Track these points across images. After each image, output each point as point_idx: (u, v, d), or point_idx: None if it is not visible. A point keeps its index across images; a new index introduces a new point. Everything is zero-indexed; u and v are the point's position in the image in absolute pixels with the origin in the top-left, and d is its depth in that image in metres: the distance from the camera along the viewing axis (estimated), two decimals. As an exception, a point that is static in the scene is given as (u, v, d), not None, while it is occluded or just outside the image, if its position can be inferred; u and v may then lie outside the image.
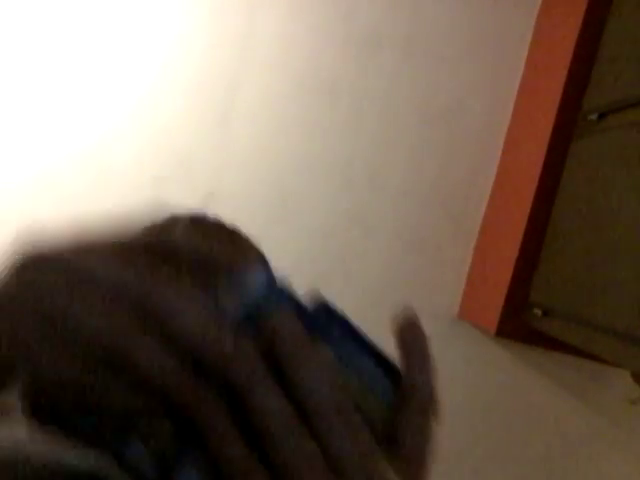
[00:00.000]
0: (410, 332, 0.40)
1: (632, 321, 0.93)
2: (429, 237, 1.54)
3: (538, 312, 1.24)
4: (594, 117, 1.20)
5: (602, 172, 1.13)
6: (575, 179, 1.24)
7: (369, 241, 1.53)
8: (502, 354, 1.55)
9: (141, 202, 1.49)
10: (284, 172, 1.52)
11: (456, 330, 1.52)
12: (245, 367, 0.27)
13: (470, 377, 1.55)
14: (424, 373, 0.36)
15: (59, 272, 0.28)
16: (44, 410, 0.28)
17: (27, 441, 0.38)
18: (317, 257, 1.52)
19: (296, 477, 0.27)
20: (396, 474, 0.33)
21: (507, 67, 1.54)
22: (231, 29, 1.50)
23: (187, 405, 0.27)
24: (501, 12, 1.53)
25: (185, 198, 1.50)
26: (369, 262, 1.53)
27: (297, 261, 1.52)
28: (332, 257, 1.52)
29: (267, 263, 0.43)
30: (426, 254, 1.53)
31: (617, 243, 1.02)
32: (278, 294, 0.29)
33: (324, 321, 0.30)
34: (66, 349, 0.27)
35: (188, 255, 0.29)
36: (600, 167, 1.15)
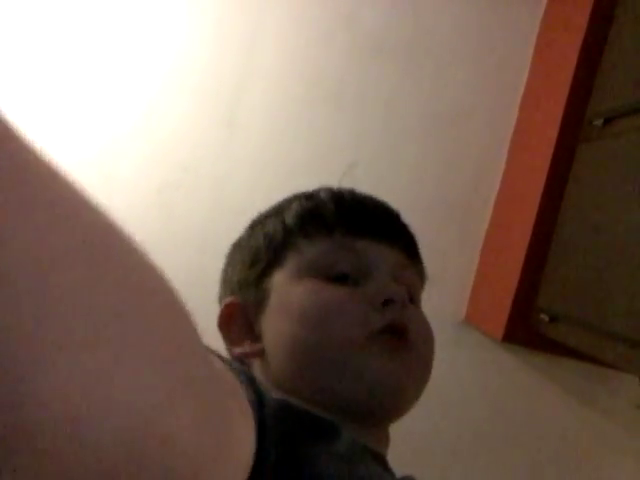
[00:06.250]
0: None
1: (639, 326, 0.93)
2: (435, 242, 1.53)
3: (545, 317, 1.24)
4: (599, 122, 1.20)
5: (608, 177, 1.13)
6: (581, 184, 1.24)
7: (375, 247, 1.52)
8: (508, 359, 1.54)
9: (147, 209, 1.49)
10: (289, 178, 1.51)
11: (462, 335, 1.52)
12: None
13: (476, 382, 1.54)
14: None
15: None
16: None
17: None
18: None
19: None
20: None
21: (511, 72, 1.54)
22: (235, 37, 1.50)
23: None
24: (505, 16, 1.53)
25: (190, 205, 1.50)
26: (375, 268, 1.52)
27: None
28: (338, 263, 1.52)
29: None
30: (432, 259, 1.52)
31: (624, 248, 1.02)
32: None
33: None
34: None
35: None
36: (606, 172, 1.15)
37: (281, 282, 0.57)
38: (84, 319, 0.20)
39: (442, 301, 1.51)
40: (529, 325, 1.30)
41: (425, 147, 1.54)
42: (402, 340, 0.55)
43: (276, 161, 1.52)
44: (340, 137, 1.52)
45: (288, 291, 0.56)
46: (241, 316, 0.59)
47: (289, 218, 0.61)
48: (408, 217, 0.70)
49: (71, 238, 0.21)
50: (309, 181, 0.64)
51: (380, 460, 0.53)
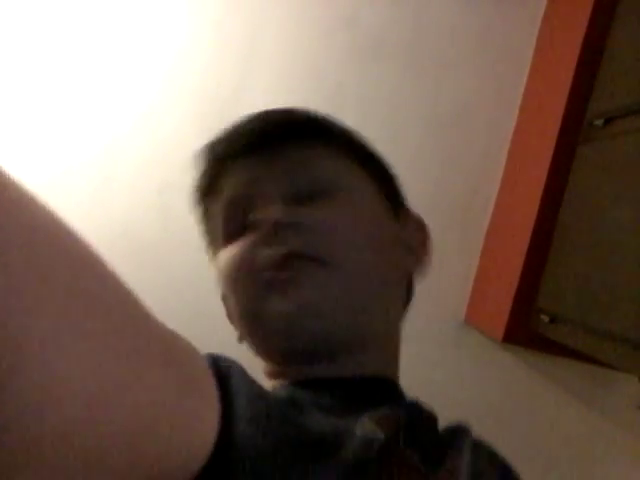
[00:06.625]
0: None
1: (639, 327, 0.93)
2: (435, 243, 1.52)
3: (545, 318, 1.24)
4: (600, 123, 1.19)
5: (608, 178, 1.13)
6: (581, 185, 1.24)
7: (375, 247, 1.52)
8: (509, 360, 1.54)
9: (147, 210, 1.49)
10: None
11: (463, 336, 1.52)
12: None
13: (477, 383, 1.54)
14: None
15: None
16: None
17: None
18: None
19: None
20: None
21: (511, 73, 1.54)
22: (235, 39, 1.50)
23: None
24: (505, 17, 1.53)
25: (190, 206, 1.50)
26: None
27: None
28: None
29: None
30: (432, 260, 1.52)
31: (623, 249, 1.02)
32: None
33: None
34: None
35: None
36: (606, 173, 1.14)
37: (213, 261, 0.58)
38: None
39: (442, 302, 1.51)
40: (529, 326, 1.30)
41: (425, 147, 1.54)
42: (294, 266, 0.48)
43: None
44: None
45: (214, 268, 0.57)
46: None
47: (194, 197, 0.61)
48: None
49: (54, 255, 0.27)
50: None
51: (380, 384, 0.53)
